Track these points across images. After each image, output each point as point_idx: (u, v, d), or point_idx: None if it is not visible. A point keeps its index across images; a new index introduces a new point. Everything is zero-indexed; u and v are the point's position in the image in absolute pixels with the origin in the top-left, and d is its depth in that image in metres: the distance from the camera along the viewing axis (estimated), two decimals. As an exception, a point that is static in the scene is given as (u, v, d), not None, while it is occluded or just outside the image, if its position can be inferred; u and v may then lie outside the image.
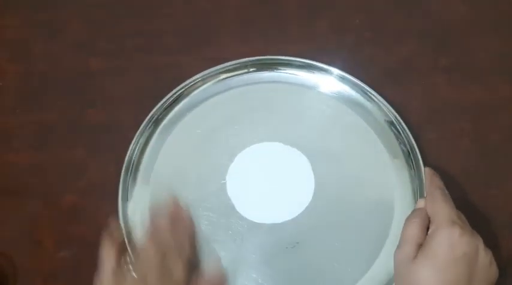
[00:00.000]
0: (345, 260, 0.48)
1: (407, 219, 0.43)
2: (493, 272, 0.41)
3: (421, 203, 0.44)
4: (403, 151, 0.52)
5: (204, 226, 0.50)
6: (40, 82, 0.60)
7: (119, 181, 0.52)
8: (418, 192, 0.50)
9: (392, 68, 0.59)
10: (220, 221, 0.50)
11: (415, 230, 0.41)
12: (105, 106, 0.58)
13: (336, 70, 0.55)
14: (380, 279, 0.47)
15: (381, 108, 0.54)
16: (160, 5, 0.64)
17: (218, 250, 0.49)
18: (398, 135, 0.53)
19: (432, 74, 0.59)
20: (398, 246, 0.42)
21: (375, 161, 0.52)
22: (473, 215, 0.44)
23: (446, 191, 0.44)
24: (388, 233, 0.49)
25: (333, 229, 0.49)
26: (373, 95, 0.54)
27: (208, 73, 0.56)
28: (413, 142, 0.52)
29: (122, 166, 0.52)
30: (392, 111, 0.53)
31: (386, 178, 0.51)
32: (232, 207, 0.50)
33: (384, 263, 0.47)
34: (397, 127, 0.53)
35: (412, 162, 0.51)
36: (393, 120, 0.53)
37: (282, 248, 0.49)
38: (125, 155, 0.53)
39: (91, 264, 0.50)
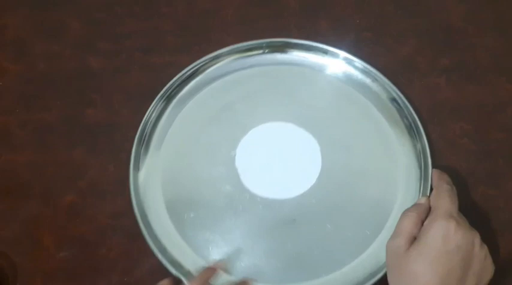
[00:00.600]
0: (338, 244, 0.49)
1: (404, 212, 0.44)
2: (489, 266, 0.41)
3: (422, 199, 0.45)
4: (405, 125, 0.54)
5: (208, 191, 0.52)
6: (40, 82, 0.60)
7: (118, 180, 0.52)
8: (422, 190, 0.51)
9: (392, 68, 0.59)
10: (224, 189, 0.52)
11: (410, 222, 0.42)
12: (105, 106, 0.58)
13: (342, 53, 0.58)
14: (369, 267, 0.48)
15: (384, 87, 0.56)
16: (160, 5, 0.64)
17: (218, 216, 0.51)
18: (400, 110, 0.55)
19: (432, 74, 0.59)
20: (392, 237, 0.42)
21: (384, 149, 0.54)
22: (473, 215, 0.44)
23: (454, 189, 0.44)
24: (385, 225, 0.50)
25: (331, 212, 0.51)
26: (377, 76, 0.56)
27: (224, 52, 0.58)
28: (416, 117, 0.54)
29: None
30: (396, 89, 0.55)
31: (392, 172, 0.52)
32: (238, 178, 0.52)
33: (376, 252, 0.48)
34: (399, 102, 0.55)
35: (416, 136, 0.53)
36: (395, 96, 0.55)
37: (279, 223, 0.50)
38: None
39: (91, 264, 0.50)
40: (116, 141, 0.55)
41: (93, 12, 0.64)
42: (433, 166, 0.51)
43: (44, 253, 0.51)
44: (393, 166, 0.53)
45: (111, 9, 0.64)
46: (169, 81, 0.56)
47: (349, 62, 0.57)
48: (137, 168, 0.53)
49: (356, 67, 0.57)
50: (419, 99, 0.57)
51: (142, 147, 0.54)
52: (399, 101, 0.55)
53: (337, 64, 0.58)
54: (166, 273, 0.48)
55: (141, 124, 0.54)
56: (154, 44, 0.61)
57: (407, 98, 0.56)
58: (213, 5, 0.64)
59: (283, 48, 0.59)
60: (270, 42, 0.59)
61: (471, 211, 0.51)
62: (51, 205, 0.53)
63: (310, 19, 0.62)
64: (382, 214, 0.51)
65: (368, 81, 0.57)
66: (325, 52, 0.58)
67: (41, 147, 0.56)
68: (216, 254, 0.49)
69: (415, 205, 0.44)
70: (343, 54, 0.58)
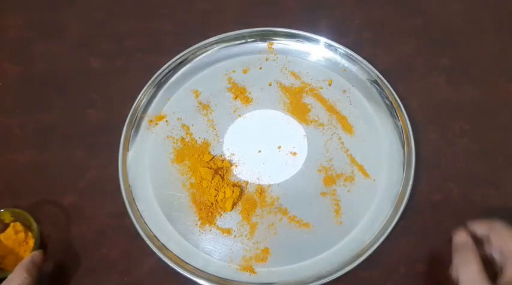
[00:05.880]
0: (325, 227, 0.51)
1: (461, 261, 0.41)
2: None
3: (462, 236, 0.43)
4: (386, 105, 0.56)
5: (200, 173, 0.53)
6: (40, 82, 0.60)
7: (119, 180, 0.52)
8: (405, 168, 0.53)
9: (392, 68, 0.59)
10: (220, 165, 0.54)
11: (478, 271, 0.39)
12: (105, 106, 0.58)
13: (323, 39, 0.59)
14: (354, 248, 0.49)
15: (364, 69, 0.58)
16: (160, 5, 0.64)
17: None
18: (381, 91, 0.57)
19: (432, 74, 0.59)
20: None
21: (368, 130, 0.56)
22: (474, 215, 0.44)
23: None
24: (370, 207, 0.52)
25: (315, 198, 0.52)
26: (356, 58, 0.58)
27: (210, 42, 0.60)
28: (396, 96, 0.56)
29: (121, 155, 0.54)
30: (375, 71, 0.57)
31: (376, 151, 0.54)
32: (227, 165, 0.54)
33: (361, 234, 0.50)
34: (380, 84, 0.57)
35: (396, 115, 0.55)
36: (376, 78, 0.57)
37: (265, 207, 0.52)
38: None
39: (91, 264, 0.50)
40: (116, 141, 0.55)
41: (93, 13, 0.64)
42: (428, 166, 0.52)
43: (44, 253, 0.51)
44: (377, 145, 0.54)
45: (111, 9, 0.64)
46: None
47: (331, 48, 0.59)
48: (127, 149, 0.54)
49: (337, 53, 0.59)
50: (419, 99, 0.57)
51: (132, 129, 0.55)
52: (379, 82, 0.57)
53: (319, 50, 0.60)
54: (166, 272, 0.48)
55: (131, 110, 0.56)
56: (154, 44, 0.61)
57: (407, 98, 0.56)
58: (213, 5, 0.64)
59: (265, 36, 0.61)
60: (253, 31, 0.60)
61: (471, 211, 0.51)
62: (51, 204, 0.53)
63: (310, 19, 0.62)
64: (368, 194, 0.52)
65: (348, 64, 0.59)
66: (307, 39, 0.60)
67: (41, 147, 0.56)
68: (196, 233, 0.51)
69: (465, 247, 0.42)
70: (324, 40, 0.59)
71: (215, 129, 0.56)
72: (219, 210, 0.52)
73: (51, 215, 0.52)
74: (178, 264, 0.49)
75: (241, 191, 0.52)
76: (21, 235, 0.49)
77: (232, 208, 0.52)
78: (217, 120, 0.56)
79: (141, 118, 0.57)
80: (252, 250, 0.50)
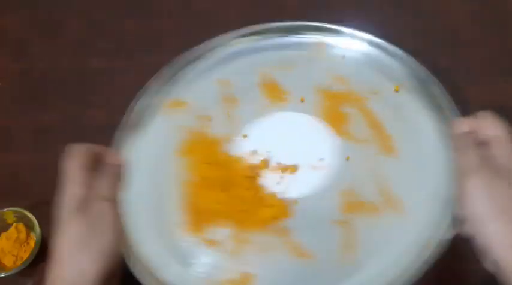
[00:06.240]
0: (323, 262, 0.43)
1: (461, 147, 0.42)
2: None
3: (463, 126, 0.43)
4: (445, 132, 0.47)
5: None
6: (40, 82, 0.60)
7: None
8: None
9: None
10: (235, 165, 0.48)
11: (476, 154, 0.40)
12: (105, 106, 0.58)
13: (379, 41, 0.53)
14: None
15: (401, 59, 0.51)
16: (160, 5, 0.64)
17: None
18: (442, 115, 0.48)
19: (433, 74, 0.59)
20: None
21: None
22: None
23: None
24: (389, 253, 0.42)
25: (326, 225, 0.44)
26: (420, 70, 0.51)
27: (244, 32, 0.55)
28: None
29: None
30: (440, 89, 0.50)
31: (418, 186, 0.45)
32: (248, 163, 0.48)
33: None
34: (443, 106, 0.48)
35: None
36: (439, 99, 0.49)
37: (266, 223, 0.45)
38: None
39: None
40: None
41: (93, 12, 0.64)
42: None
43: (45, 254, 0.51)
44: (423, 176, 0.45)
45: (111, 9, 0.64)
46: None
47: (388, 53, 0.52)
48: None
49: (396, 59, 0.52)
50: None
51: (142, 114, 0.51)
52: (442, 103, 0.49)
53: (373, 54, 0.52)
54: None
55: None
56: (154, 44, 0.61)
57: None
58: (213, 5, 0.64)
59: (308, 31, 0.54)
60: (294, 24, 0.55)
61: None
62: (52, 205, 0.53)
63: (310, 20, 0.62)
64: (395, 233, 0.43)
65: (407, 75, 0.51)
66: (359, 38, 0.53)
67: (41, 147, 0.56)
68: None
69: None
70: (379, 42, 0.53)
71: (236, 125, 0.50)
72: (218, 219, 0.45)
73: (51, 216, 0.52)
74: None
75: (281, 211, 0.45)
76: (23, 235, 0.49)
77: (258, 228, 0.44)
78: (240, 116, 0.50)
79: (156, 101, 0.51)
80: (232, 272, 0.42)
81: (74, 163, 0.42)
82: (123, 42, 0.61)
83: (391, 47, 0.52)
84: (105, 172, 0.44)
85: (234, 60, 0.54)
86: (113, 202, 0.43)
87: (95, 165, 0.43)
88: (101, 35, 0.62)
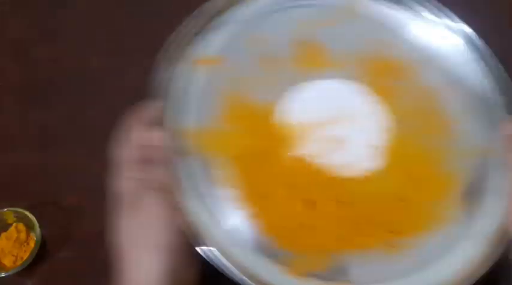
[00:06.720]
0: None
1: None
2: None
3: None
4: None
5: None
6: (40, 82, 0.60)
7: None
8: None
9: None
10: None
11: None
12: (105, 106, 0.58)
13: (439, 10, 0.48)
14: None
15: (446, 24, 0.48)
16: (160, 5, 0.64)
17: None
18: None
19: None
20: None
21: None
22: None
23: None
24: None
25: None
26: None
27: None
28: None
29: None
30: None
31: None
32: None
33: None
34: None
35: None
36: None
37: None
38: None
39: (91, 265, 0.50)
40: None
41: (93, 13, 0.64)
42: None
43: (44, 253, 0.51)
44: None
45: (111, 10, 0.64)
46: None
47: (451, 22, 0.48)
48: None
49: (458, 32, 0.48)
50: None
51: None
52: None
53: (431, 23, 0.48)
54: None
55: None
56: (154, 44, 0.61)
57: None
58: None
59: None
60: None
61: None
62: (52, 205, 0.53)
63: None
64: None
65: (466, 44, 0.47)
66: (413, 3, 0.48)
67: (42, 147, 0.56)
68: None
69: None
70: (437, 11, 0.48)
71: (278, 91, 0.44)
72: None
73: (51, 216, 0.52)
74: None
75: None
76: (23, 235, 0.49)
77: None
78: (281, 80, 0.44)
79: (182, 56, 0.45)
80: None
81: (126, 154, 0.38)
82: (123, 42, 0.61)
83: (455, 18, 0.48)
84: (155, 158, 0.38)
85: (270, 15, 0.47)
86: (164, 191, 0.37)
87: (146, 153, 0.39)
88: (101, 35, 0.62)
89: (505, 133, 0.42)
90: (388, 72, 0.46)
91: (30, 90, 0.59)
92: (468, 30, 0.48)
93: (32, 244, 0.49)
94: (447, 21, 0.48)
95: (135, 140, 0.39)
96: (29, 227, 0.50)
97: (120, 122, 0.56)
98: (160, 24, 0.63)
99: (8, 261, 0.48)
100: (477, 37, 0.48)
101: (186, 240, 0.37)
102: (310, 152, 0.42)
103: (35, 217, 0.49)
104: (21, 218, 0.50)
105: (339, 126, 0.43)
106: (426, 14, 0.48)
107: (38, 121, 0.57)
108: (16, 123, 0.57)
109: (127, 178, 0.38)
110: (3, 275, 0.47)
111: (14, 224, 0.50)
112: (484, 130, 0.44)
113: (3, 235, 0.50)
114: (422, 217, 0.41)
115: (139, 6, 0.64)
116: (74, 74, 0.60)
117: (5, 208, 0.50)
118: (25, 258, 0.48)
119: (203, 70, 0.44)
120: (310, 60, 0.46)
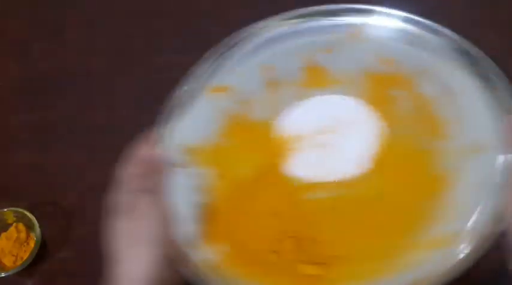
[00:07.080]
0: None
1: None
2: None
3: None
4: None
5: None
6: (40, 82, 0.60)
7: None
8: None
9: None
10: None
11: None
12: (105, 106, 0.58)
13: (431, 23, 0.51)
14: None
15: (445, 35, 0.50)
16: (160, 4, 0.64)
17: None
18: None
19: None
20: None
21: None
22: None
23: None
24: None
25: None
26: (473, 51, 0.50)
27: (288, 15, 0.53)
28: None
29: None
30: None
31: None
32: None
33: None
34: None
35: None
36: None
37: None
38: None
39: (91, 265, 0.50)
40: (116, 141, 0.55)
41: (93, 12, 0.64)
42: None
43: (44, 253, 0.51)
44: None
45: (111, 9, 0.64)
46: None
47: (438, 34, 0.50)
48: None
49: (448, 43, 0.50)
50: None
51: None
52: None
53: (423, 36, 0.50)
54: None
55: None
56: (154, 44, 0.61)
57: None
58: (214, 5, 0.64)
59: (356, 13, 0.51)
60: (340, 7, 0.52)
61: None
62: (51, 205, 0.53)
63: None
64: None
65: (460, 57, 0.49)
66: (407, 21, 0.51)
67: (41, 148, 0.56)
68: None
69: None
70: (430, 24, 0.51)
71: (279, 109, 0.49)
72: None
73: (51, 216, 0.52)
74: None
75: None
76: (23, 235, 0.49)
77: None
78: (284, 100, 0.49)
79: (199, 86, 0.49)
80: None
81: (130, 170, 0.40)
82: (123, 42, 0.61)
83: (438, 27, 0.50)
84: (150, 169, 0.41)
85: (275, 44, 0.52)
86: (155, 192, 0.40)
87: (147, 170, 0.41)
88: (101, 35, 0.62)
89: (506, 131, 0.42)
90: (385, 83, 0.49)
91: (31, 90, 0.59)
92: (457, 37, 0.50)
93: (32, 244, 0.49)
94: (440, 32, 0.50)
95: (138, 157, 0.41)
96: (29, 227, 0.50)
97: (119, 122, 0.56)
98: (161, 24, 0.63)
99: (8, 261, 0.48)
100: (470, 44, 0.50)
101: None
102: (303, 163, 0.46)
103: (35, 217, 0.49)
104: (21, 218, 0.50)
105: (332, 134, 0.48)
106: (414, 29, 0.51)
107: (38, 121, 0.57)
108: (16, 123, 0.57)
109: (126, 191, 0.40)
110: (3, 275, 0.47)
111: (14, 224, 0.50)
112: (478, 131, 0.45)
113: (3, 235, 0.50)
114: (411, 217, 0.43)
115: (140, 6, 0.64)
116: (74, 74, 0.60)
117: (5, 208, 0.50)
118: (25, 258, 0.48)
119: (215, 97, 0.49)
120: (313, 82, 0.50)
